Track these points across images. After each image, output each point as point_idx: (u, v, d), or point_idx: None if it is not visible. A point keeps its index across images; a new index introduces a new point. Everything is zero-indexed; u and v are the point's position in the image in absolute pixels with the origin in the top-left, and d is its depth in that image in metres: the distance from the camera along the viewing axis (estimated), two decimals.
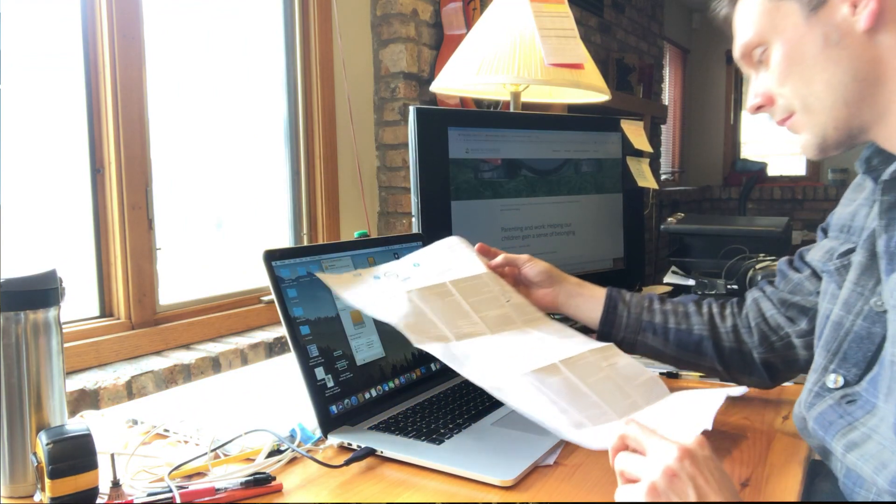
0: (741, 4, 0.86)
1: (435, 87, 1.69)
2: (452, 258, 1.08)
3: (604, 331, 1.07)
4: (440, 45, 2.38)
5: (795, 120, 0.82)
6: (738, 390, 0.92)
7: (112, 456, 0.77)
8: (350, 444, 0.88)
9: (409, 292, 0.95)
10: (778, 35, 0.80)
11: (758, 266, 1.59)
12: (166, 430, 0.94)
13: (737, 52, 0.87)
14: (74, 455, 0.72)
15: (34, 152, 1.43)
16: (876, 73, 0.76)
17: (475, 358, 0.88)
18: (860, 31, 0.76)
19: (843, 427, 0.78)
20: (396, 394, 1.02)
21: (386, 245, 1.14)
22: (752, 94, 0.86)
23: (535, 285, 1.11)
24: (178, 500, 0.74)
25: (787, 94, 0.81)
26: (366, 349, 1.00)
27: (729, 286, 1.71)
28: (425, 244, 1.21)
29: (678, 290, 1.90)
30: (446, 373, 1.13)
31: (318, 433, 0.91)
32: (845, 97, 0.77)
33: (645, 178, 1.63)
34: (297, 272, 0.97)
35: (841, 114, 0.78)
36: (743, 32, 0.85)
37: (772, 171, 6.14)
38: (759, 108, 0.86)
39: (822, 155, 0.82)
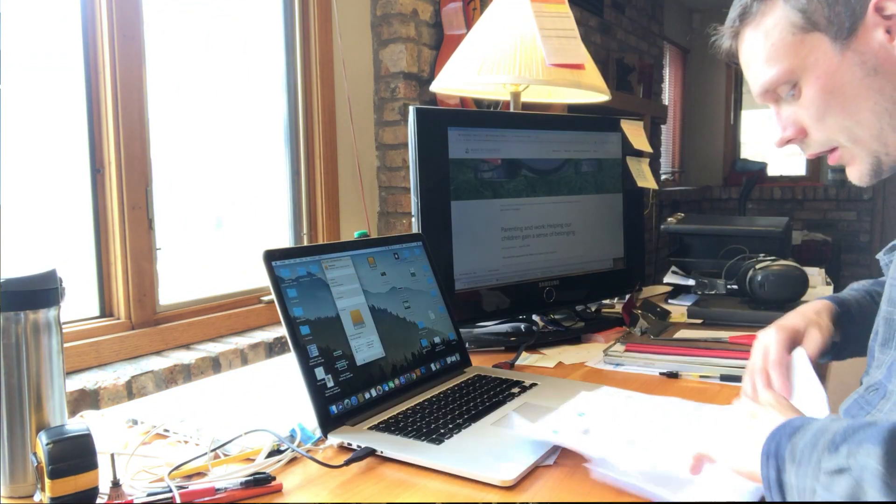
0: (750, 37, 0.81)
1: (435, 87, 1.69)
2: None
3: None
4: (440, 45, 2.38)
5: (843, 153, 0.79)
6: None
7: (112, 456, 0.77)
8: (350, 444, 0.88)
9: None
10: (809, 70, 0.76)
11: (758, 266, 1.59)
12: (166, 430, 0.94)
13: (757, 90, 0.82)
14: (74, 455, 0.72)
15: (34, 152, 1.43)
16: None
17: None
18: None
19: (864, 416, 0.79)
20: (396, 394, 1.02)
21: (386, 245, 1.14)
22: (781, 126, 0.82)
23: None
24: (178, 500, 0.74)
25: (828, 127, 0.78)
26: (366, 349, 1.00)
27: (729, 286, 1.71)
28: (425, 244, 1.21)
29: (678, 290, 1.90)
30: (446, 373, 1.13)
31: (318, 433, 0.91)
32: (893, 123, 0.75)
33: (645, 178, 1.63)
34: (297, 272, 0.97)
35: (891, 139, 0.76)
36: (762, 70, 0.80)
37: (772, 171, 6.14)
38: (789, 142, 0.82)
39: (876, 180, 0.79)
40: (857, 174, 0.80)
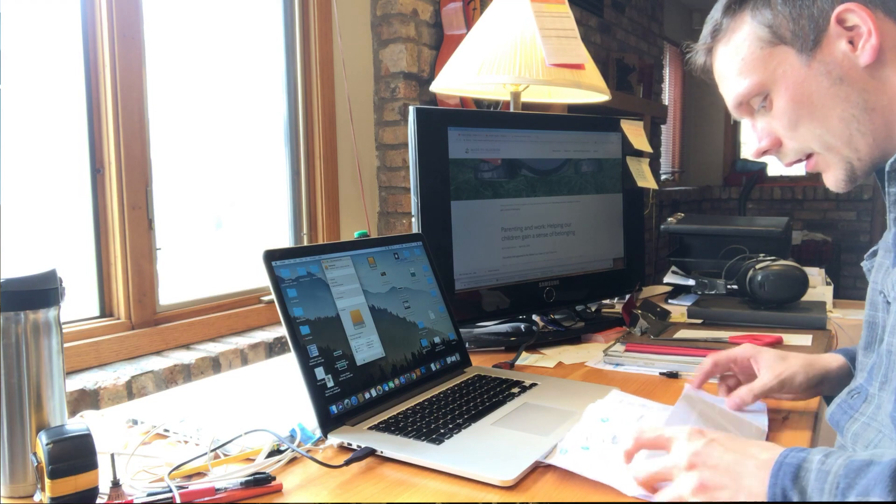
0: (722, 53, 0.85)
1: (435, 87, 1.68)
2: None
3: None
4: (440, 45, 2.38)
5: (817, 160, 0.82)
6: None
7: (112, 456, 0.77)
8: (350, 444, 0.88)
9: None
10: (778, 81, 0.80)
11: (758, 266, 1.59)
12: (166, 430, 0.94)
13: (731, 103, 0.85)
14: (74, 455, 0.72)
15: (34, 152, 1.43)
16: (886, 100, 0.76)
17: None
18: (862, 66, 0.76)
19: (847, 420, 0.80)
20: (396, 394, 1.02)
21: (386, 245, 1.14)
22: (757, 138, 0.85)
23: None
24: (178, 500, 0.74)
25: (801, 136, 0.81)
26: (366, 349, 1.00)
27: (729, 286, 1.71)
28: (425, 244, 1.21)
29: (678, 289, 1.90)
30: (446, 373, 1.13)
31: (318, 433, 0.91)
32: (861, 129, 0.77)
33: (645, 178, 1.63)
34: (297, 272, 0.97)
35: (861, 144, 0.78)
36: (734, 83, 0.83)
37: (772, 171, 6.14)
38: (765, 153, 0.85)
39: (852, 186, 0.82)
40: (833, 180, 0.82)
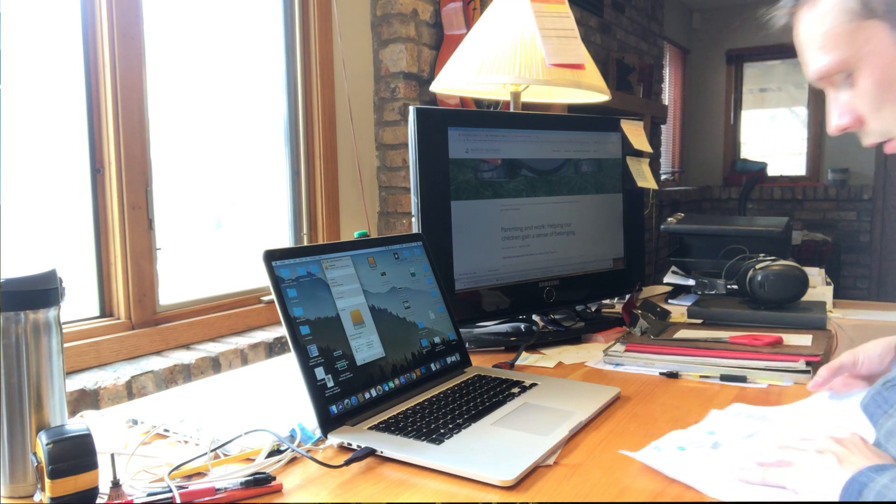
0: (806, 19, 0.77)
1: (435, 87, 1.69)
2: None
3: None
4: (440, 45, 2.38)
5: None
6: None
7: (112, 456, 0.77)
8: (350, 444, 0.88)
9: None
10: (864, 59, 0.72)
11: (758, 266, 1.59)
12: (166, 430, 0.94)
13: (812, 76, 0.78)
14: (74, 455, 0.72)
15: (34, 152, 1.43)
16: None
17: None
18: None
19: (881, 415, 0.77)
20: (396, 394, 1.02)
21: (386, 245, 1.14)
22: (837, 113, 0.78)
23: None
24: (178, 500, 0.74)
25: (886, 119, 0.74)
26: (366, 349, 1.00)
27: (729, 286, 1.71)
28: (425, 244, 1.21)
29: (678, 289, 1.90)
30: (446, 373, 1.13)
31: (318, 433, 0.91)
32: None
33: (645, 178, 1.63)
34: (297, 272, 0.97)
35: None
36: (815, 58, 0.76)
37: (772, 171, 6.14)
38: (846, 129, 0.79)
39: None
40: None
